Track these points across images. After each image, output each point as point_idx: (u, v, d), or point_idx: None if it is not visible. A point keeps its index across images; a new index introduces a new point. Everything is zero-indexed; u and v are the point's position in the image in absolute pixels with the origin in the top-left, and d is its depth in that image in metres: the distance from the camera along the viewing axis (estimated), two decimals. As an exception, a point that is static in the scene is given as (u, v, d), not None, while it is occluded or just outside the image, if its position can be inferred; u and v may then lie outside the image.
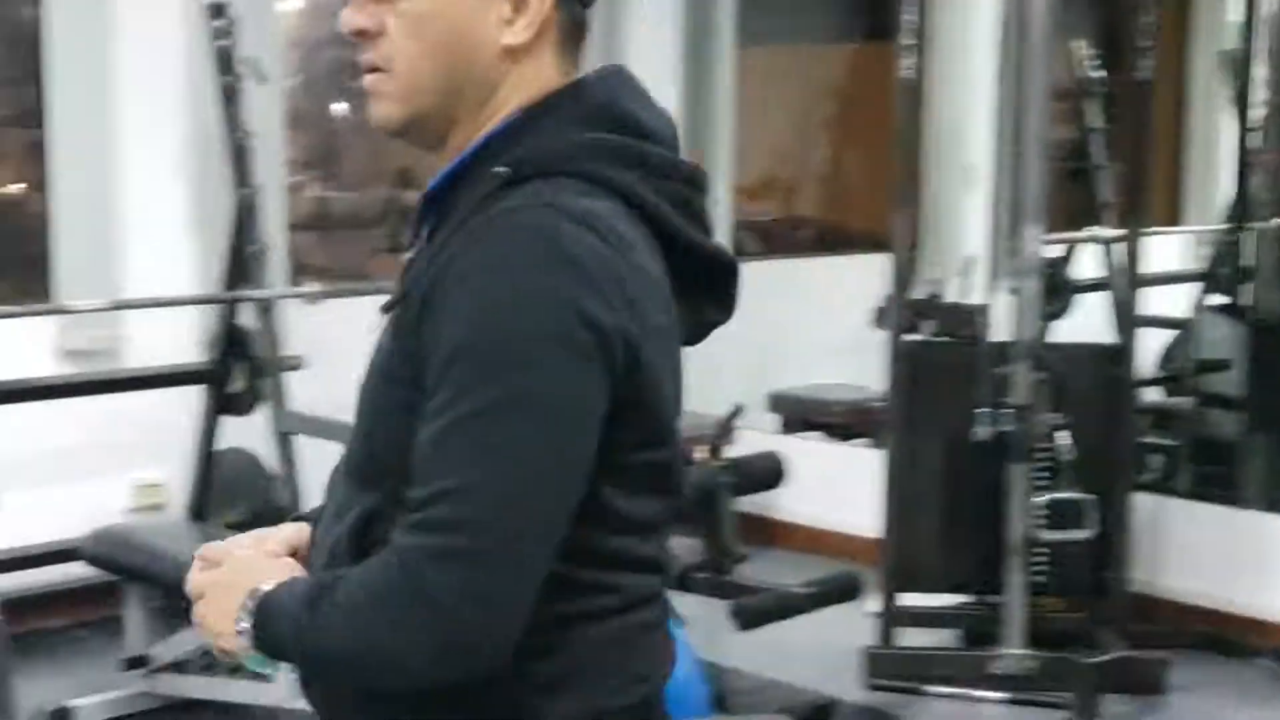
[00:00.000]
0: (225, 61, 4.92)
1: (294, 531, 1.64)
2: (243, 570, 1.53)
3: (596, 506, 1.45)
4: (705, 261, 1.57)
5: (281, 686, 4.01)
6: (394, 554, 1.41)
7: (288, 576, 1.51)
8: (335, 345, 5.43)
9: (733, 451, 4.57)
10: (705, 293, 1.59)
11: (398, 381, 1.48)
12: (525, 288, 1.38)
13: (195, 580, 1.57)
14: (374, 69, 1.54)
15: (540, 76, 1.53)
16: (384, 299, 1.54)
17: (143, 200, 5.25)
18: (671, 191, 1.53)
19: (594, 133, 1.50)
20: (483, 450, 1.37)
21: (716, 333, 1.65)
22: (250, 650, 1.50)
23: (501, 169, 1.47)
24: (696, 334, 1.62)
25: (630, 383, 1.43)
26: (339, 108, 6.56)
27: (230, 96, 4.93)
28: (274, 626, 1.47)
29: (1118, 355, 4.73)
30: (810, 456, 5.52)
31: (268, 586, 1.49)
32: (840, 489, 5.72)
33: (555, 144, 1.49)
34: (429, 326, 1.42)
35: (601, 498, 1.46)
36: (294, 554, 1.61)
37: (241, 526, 4.81)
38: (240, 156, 4.95)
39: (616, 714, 1.52)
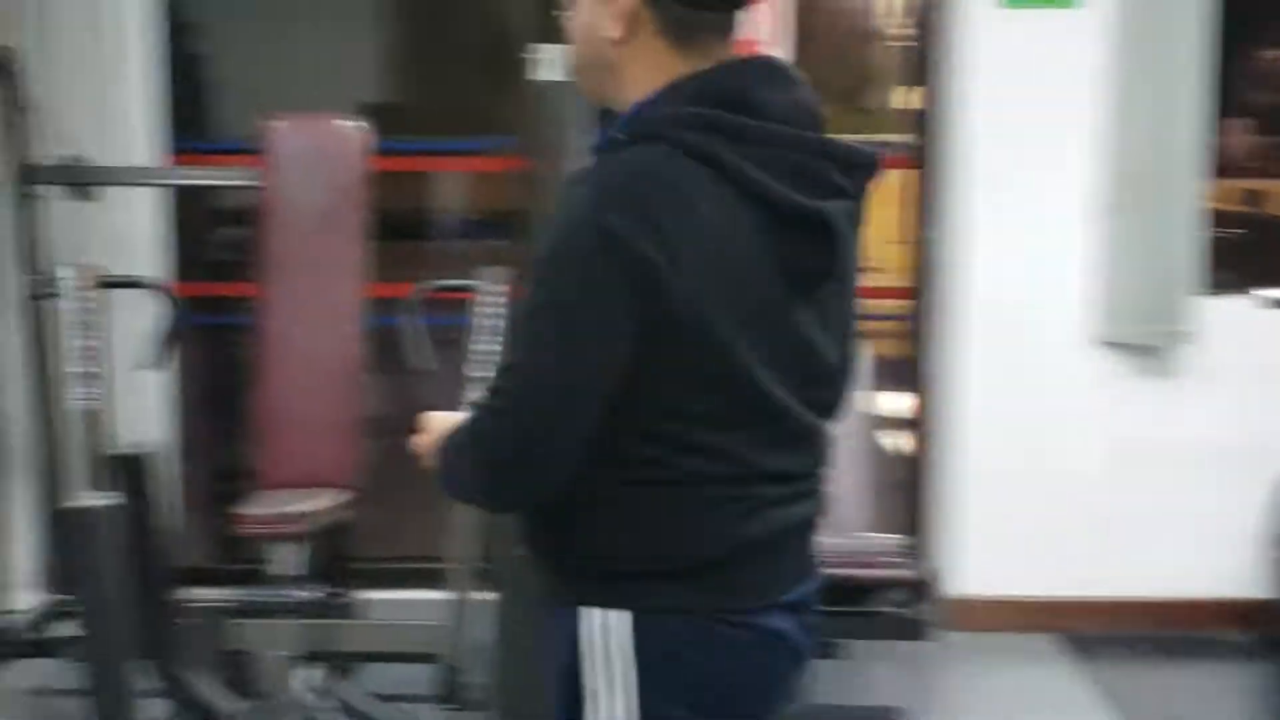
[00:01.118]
0: None
1: None
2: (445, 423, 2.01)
3: (649, 398, 1.80)
4: (800, 216, 1.82)
5: None
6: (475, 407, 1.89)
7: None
8: None
9: None
10: (805, 244, 1.83)
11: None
12: (576, 219, 1.76)
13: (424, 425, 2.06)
14: None
15: (659, 63, 1.87)
16: None
17: None
18: (776, 157, 1.80)
19: (696, 108, 1.81)
20: (524, 341, 1.80)
21: None
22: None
23: (617, 134, 1.85)
24: (805, 282, 1.87)
25: (660, 303, 1.75)
26: None
27: None
28: (438, 459, 1.97)
29: None
30: None
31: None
32: None
33: (657, 116, 1.83)
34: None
35: (657, 392, 1.80)
36: None
37: None
38: None
39: (669, 567, 1.86)
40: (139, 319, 4.58)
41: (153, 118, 4.69)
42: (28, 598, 4.58)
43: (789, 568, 1.94)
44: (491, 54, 5.75)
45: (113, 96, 4.63)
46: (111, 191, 4.40)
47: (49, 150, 4.35)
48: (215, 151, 5.19)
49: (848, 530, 3.81)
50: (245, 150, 4.15)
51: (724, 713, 1.89)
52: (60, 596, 4.34)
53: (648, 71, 1.87)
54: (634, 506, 1.85)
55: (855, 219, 1.91)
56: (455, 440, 1.90)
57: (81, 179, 4.27)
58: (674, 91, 1.84)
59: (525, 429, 1.79)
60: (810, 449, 1.95)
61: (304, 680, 3.77)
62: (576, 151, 3.42)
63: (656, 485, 1.84)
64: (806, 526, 1.97)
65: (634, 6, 1.86)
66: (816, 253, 1.85)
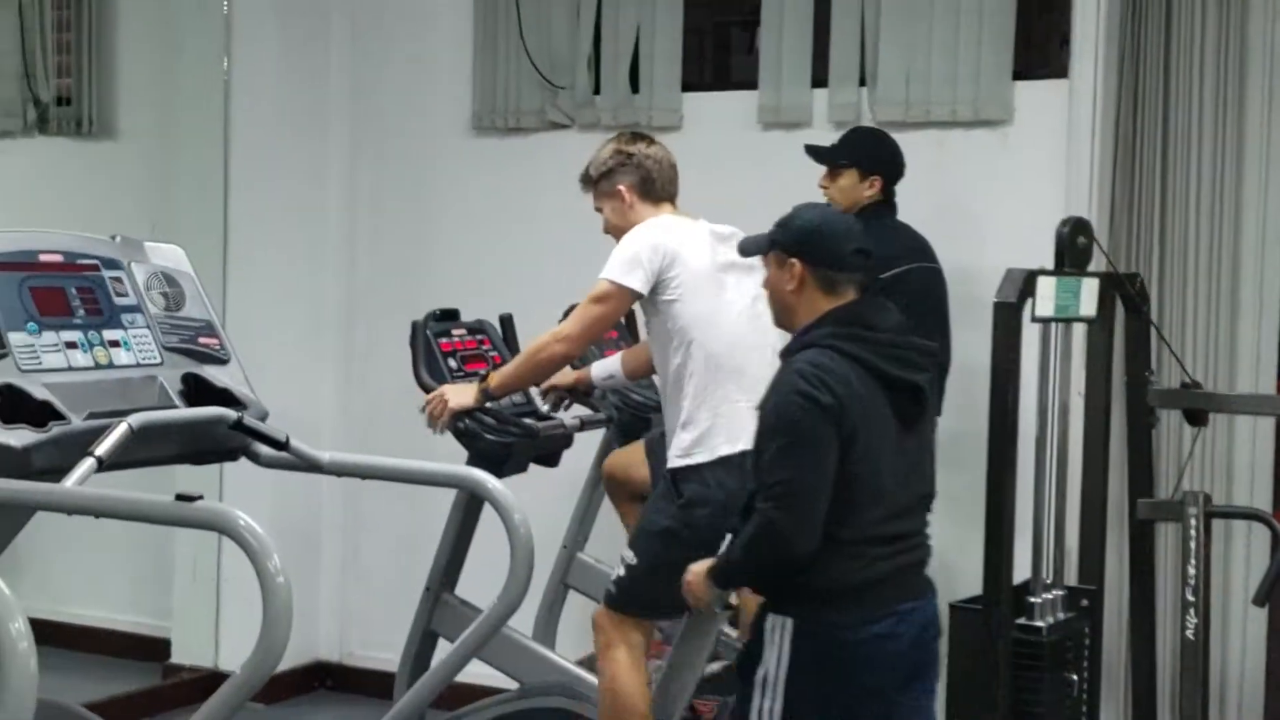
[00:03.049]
0: None
1: None
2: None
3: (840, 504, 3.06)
4: (902, 384, 3.12)
5: None
6: (756, 513, 3.07)
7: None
8: None
9: None
10: (906, 399, 3.13)
11: None
12: (786, 395, 3.05)
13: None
14: None
15: (816, 305, 3.17)
16: None
17: None
18: (884, 352, 3.10)
19: (836, 327, 3.11)
20: (783, 466, 3.02)
21: None
22: (714, 592, 3.24)
23: (794, 346, 3.18)
24: (909, 420, 3.14)
25: (841, 430, 3.02)
26: None
27: None
28: (722, 564, 3.21)
29: None
30: None
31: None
32: None
33: (817, 334, 3.13)
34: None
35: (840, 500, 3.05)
36: None
37: None
38: None
39: (822, 591, 3.09)
40: (1242, 549, 4.52)
41: (1267, 345, 4.64)
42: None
43: (898, 593, 3.12)
44: None
45: (1227, 323, 4.64)
46: (1217, 418, 4.39)
47: (1166, 374, 4.43)
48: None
49: None
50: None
51: (853, 682, 3.09)
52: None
53: (809, 309, 3.17)
54: (828, 569, 3.06)
55: (931, 384, 3.20)
56: (745, 542, 3.08)
57: (1196, 404, 4.29)
58: (825, 320, 3.13)
59: (801, 518, 3.00)
60: (912, 520, 3.18)
61: None
62: None
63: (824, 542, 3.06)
64: (916, 566, 3.20)
65: (801, 272, 3.17)
66: (912, 403, 3.13)
